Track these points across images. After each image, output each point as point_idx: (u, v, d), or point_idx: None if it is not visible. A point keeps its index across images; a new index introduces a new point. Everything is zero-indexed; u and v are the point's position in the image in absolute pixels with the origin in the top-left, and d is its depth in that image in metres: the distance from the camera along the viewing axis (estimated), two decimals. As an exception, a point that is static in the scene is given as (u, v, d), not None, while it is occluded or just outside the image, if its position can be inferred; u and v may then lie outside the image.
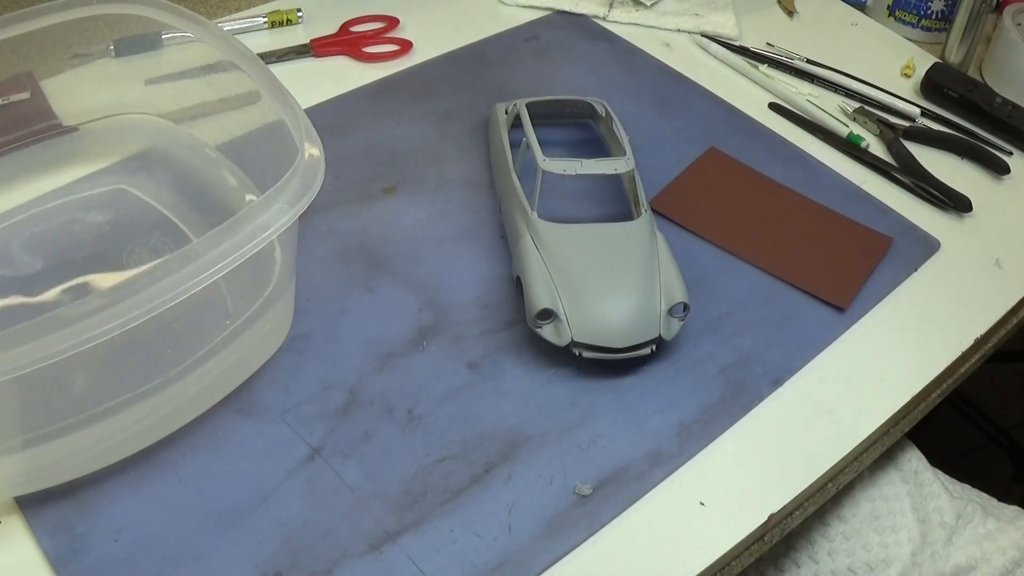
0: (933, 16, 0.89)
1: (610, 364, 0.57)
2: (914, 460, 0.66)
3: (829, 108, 0.78)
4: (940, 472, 0.66)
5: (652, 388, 0.57)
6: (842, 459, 0.55)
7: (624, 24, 0.86)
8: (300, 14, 0.82)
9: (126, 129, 0.67)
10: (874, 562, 0.62)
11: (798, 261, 0.65)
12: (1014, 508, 0.64)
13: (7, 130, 0.65)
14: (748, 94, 0.80)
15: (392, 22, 0.83)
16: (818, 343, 0.60)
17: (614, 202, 0.67)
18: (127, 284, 0.40)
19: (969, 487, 0.67)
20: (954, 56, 0.86)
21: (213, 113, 0.64)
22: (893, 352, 0.61)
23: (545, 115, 0.70)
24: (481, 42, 0.82)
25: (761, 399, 0.57)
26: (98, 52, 0.66)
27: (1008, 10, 0.84)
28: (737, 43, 0.84)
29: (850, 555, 0.63)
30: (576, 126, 0.74)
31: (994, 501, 0.65)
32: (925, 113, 0.80)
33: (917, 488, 0.64)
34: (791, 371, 0.58)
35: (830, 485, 0.56)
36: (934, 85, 0.81)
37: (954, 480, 0.67)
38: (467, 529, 0.49)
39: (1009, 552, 0.58)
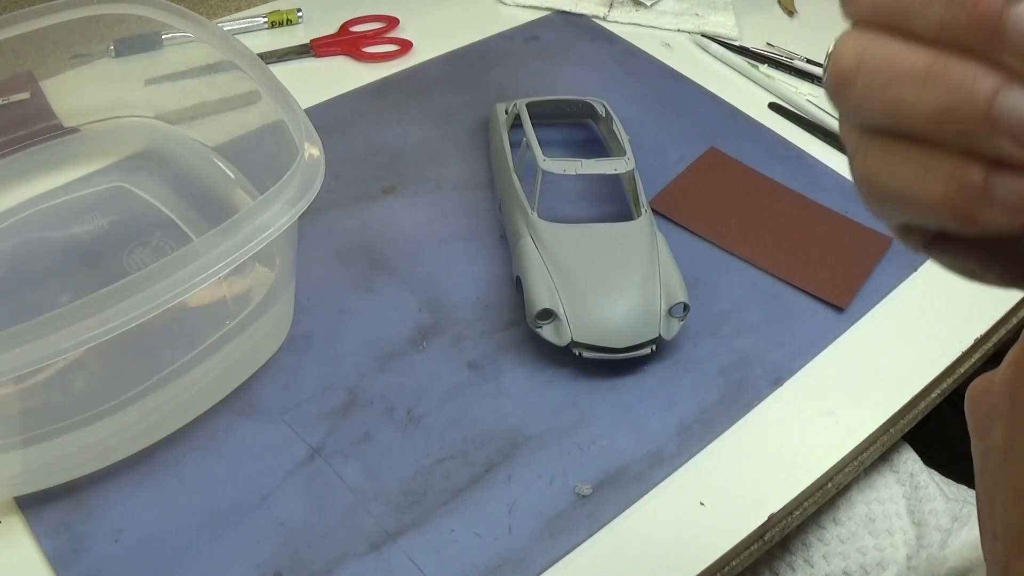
0: (933, 16, 0.89)
1: (610, 364, 0.57)
2: (910, 462, 0.65)
3: (829, 108, 0.78)
4: (936, 473, 0.66)
5: (652, 388, 0.57)
6: (842, 459, 0.55)
7: (624, 24, 0.86)
8: (300, 14, 0.82)
9: (126, 130, 0.67)
10: (869, 565, 0.62)
11: (798, 261, 0.65)
12: None
13: (7, 130, 0.65)
14: (748, 94, 0.80)
15: (392, 22, 0.83)
16: (818, 343, 0.60)
17: (614, 202, 0.67)
18: (127, 284, 0.40)
19: (966, 488, 0.66)
20: (954, 56, 0.86)
21: (213, 113, 0.64)
22: (893, 352, 0.61)
23: (545, 115, 0.70)
24: (481, 42, 0.82)
25: (761, 399, 0.57)
26: (98, 52, 0.66)
27: (1008, 10, 0.84)
28: (737, 43, 0.84)
29: (845, 558, 0.62)
30: (576, 126, 0.74)
31: None
32: (925, 113, 0.80)
33: (913, 490, 0.64)
34: (791, 371, 0.58)
35: (830, 485, 0.56)
36: (934, 85, 0.81)
37: (950, 481, 0.67)
38: (467, 529, 0.49)
39: None
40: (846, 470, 0.57)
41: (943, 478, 0.66)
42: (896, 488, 0.64)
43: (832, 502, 0.64)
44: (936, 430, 0.76)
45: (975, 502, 0.63)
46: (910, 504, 0.63)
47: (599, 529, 0.50)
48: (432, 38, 0.81)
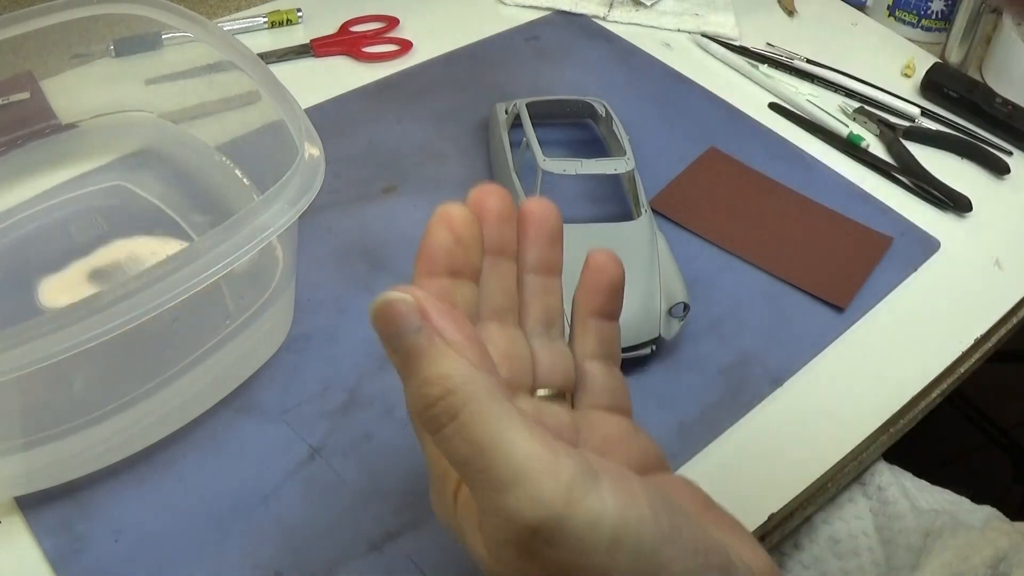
0: (933, 16, 0.89)
1: (610, 364, 0.57)
2: (877, 475, 0.62)
3: (829, 108, 0.78)
4: (909, 483, 0.62)
5: (652, 388, 0.57)
6: (842, 459, 0.55)
7: (624, 24, 0.86)
8: (300, 14, 0.82)
9: (125, 127, 0.67)
10: None
11: (798, 261, 0.65)
12: (987, 510, 0.60)
13: (7, 130, 0.65)
14: (748, 94, 0.80)
15: (392, 22, 0.83)
16: (818, 343, 0.60)
17: (614, 202, 0.67)
18: (127, 284, 0.40)
19: (941, 490, 0.63)
20: (954, 56, 0.86)
21: (213, 113, 0.64)
22: (893, 352, 0.61)
23: (545, 115, 0.70)
24: (481, 42, 0.82)
25: (761, 399, 0.57)
26: (98, 52, 0.66)
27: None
28: (737, 43, 0.84)
29: None
30: (576, 126, 0.74)
31: (967, 503, 0.61)
32: (925, 113, 0.80)
33: (881, 505, 0.61)
34: (791, 371, 0.58)
35: (830, 485, 0.56)
36: (934, 85, 0.81)
37: (925, 486, 0.63)
38: (467, 529, 0.49)
39: (980, 571, 0.55)
40: (846, 470, 0.57)
41: (919, 484, 0.63)
42: (863, 503, 0.61)
43: (791, 522, 0.61)
44: (935, 430, 0.75)
45: (952, 511, 0.59)
46: (878, 521, 0.60)
47: (599, 529, 0.50)
48: (432, 38, 0.81)
